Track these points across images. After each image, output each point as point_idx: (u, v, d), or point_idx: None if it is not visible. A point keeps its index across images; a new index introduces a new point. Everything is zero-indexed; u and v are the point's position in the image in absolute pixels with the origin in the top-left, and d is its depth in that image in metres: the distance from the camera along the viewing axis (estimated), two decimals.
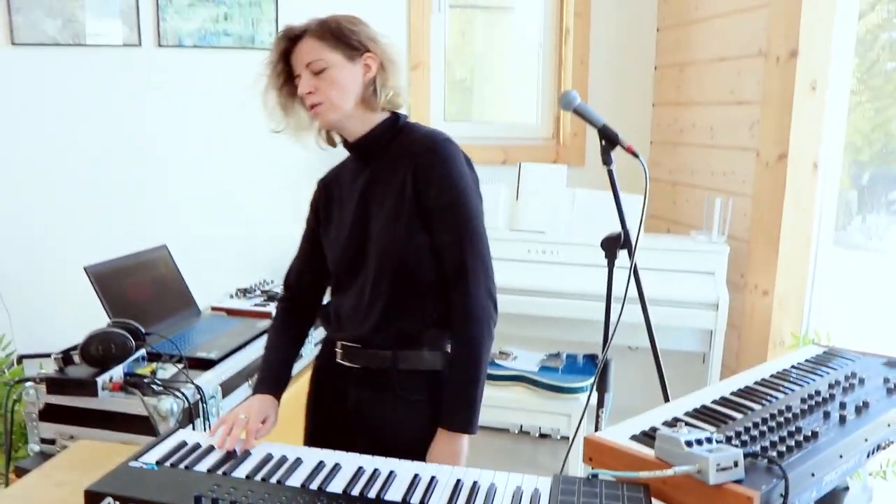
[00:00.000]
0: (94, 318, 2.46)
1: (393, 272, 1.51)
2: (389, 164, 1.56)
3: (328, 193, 1.67)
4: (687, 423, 1.30)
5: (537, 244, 3.07)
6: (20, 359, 3.10)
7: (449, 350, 1.57)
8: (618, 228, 1.82)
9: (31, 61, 3.26)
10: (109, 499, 1.16)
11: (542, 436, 3.27)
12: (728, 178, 3.04)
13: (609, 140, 1.71)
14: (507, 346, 2.86)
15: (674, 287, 2.77)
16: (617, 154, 1.79)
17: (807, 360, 1.69)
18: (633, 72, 3.62)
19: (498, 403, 2.60)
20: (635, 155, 1.69)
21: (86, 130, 3.34)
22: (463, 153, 1.56)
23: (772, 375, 1.59)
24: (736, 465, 1.10)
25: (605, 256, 1.80)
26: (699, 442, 1.14)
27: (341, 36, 1.51)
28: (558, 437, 3.27)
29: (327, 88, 1.49)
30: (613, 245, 1.78)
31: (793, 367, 1.65)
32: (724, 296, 2.74)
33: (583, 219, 3.10)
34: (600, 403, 1.85)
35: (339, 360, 1.62)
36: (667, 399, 1.83)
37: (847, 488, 2.64)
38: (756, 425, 1.29)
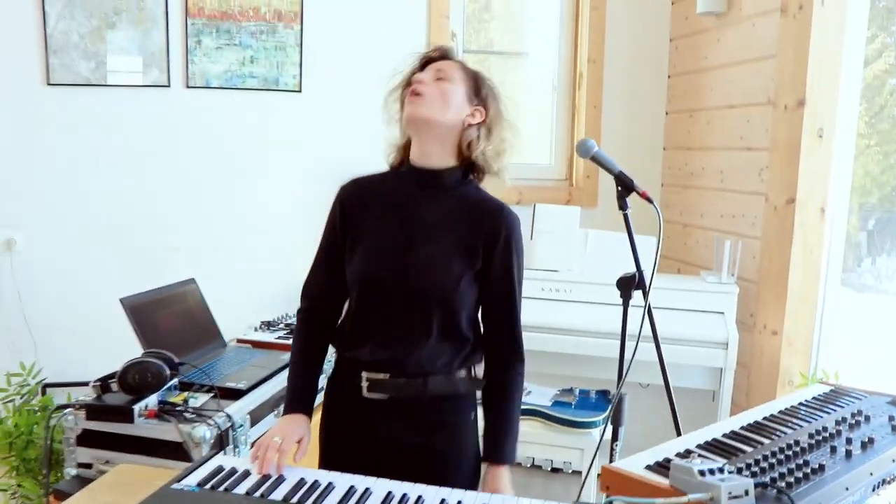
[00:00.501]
0: (116, 348, 2.55)
1: (439, 307, 1.58)
2: (452, 206, 1.62)
3: (357, 203, 1.66)
4: (699, 455, 1.37)
5: (551, 283, 3.15)
6: (44, 388, 3.18)
7: (465, 374, 1.66)
8: (630, 268, 1.90)
9: (65, 101, 3.39)
10: None
11: (554, 470, 3.31)
12: (737, 220, 3.13)
13: (625, 186, 1.80)
14: None
15: (684, 326, 2.84)
16: (631, 197, 1.88)
17: (814, 398, 1.76)
18: (644, 116, 3.74)
19: None
20: (650, 200, 1.78)
21: (116, 167, 3.45)
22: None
23: (780, 412, 1.65)
24: (747, 493, 1.16)
25: (621, 296, 1.88)
26: (712, 472, 1.21)
27: (475, 78, 1.64)
28: (570, 472, 3.30)
29: (437, 90, 1.58)
30: (628, 285, 1.86)
31: (800, 404, 1.71)
32: (734, 335, 2.80)
33: (595, 258, 3.18)
34: (615, 437, 1.92)
35: (365, 395, 1.62)
36: (679, 433, 1.89)
37: None
38: (765, 458, 1.36)
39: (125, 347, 2.28)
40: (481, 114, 1.62)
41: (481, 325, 1.70)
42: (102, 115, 3.43)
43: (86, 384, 2.80)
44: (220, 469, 1.43)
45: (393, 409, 1.62)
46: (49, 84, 3.37)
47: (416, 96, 1.57)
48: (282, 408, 2.16)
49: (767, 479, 1.26)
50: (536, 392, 2.83)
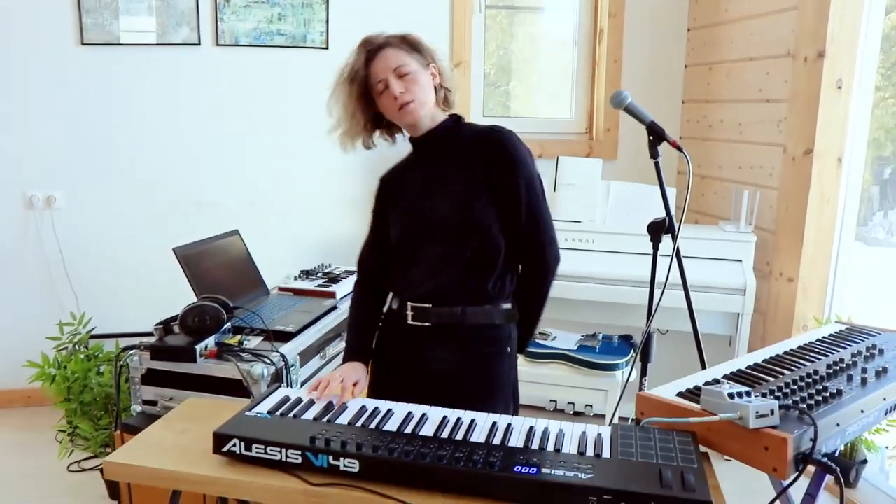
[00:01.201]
0: (151, 300, 2.69)
1: (461, 232, 1.72)
2: (455, 154, 1.78)
3: (393, 187, 1.87)
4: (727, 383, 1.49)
5: (574, 233, 3.26)
6: (88, 339, 3.33)
7: (501, 306, 1.78)
8: (650, 218, 2.01)
9: (98, 60, 3.48)
10: (236, 440, 1.37)
11: (577, 413, 3.46)
12: (755, 171, 3.21)
13: (656, 135, 1.90)
14: (545, 328, 3.06)
15: (704, 273, 2.95)
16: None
17: (831, 335, 1.87)
18: (664, 70, 3.79)
19: (539, 380, 2.80)
20: (679, 149, 1.88)
21: (148, 124, 3.56)
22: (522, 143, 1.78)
23: (799, 347, 1.77)
24: (772, 413, 1.29)
25: (651, 240, 1.99)
26: (740, 395, 1.33)
27: (416, 46, 1.77)
28: (591, 415, 3.45)
29: (415, 88, 1.72)
30: (658, 229, 1.97)
31: (818, 340, 1.83)
32: (752, 282, 2.91)
33: (617, 209, 3.29)
34: (643, 373, 2.04)
35: (410, 322, 1.78)
36: (704, 366, 2.01)
37: (866, 461, 2.82)
38: (787, 385, 1.48)
39: (160, 299, 2.41)
40: (436, 68, 1.79)
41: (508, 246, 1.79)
42: (135, 74, 3.52)
43: (128, 335, 2.96)
44: (286, 399, 1.56)
45: (435, 337, 1.77)
46: (83, 44, 3.46)
47: (407, 105, 1.72)
48: (326, 350, 2.32)
49: (790, 402, 1.39)
50: (562, 337, 2.96)
